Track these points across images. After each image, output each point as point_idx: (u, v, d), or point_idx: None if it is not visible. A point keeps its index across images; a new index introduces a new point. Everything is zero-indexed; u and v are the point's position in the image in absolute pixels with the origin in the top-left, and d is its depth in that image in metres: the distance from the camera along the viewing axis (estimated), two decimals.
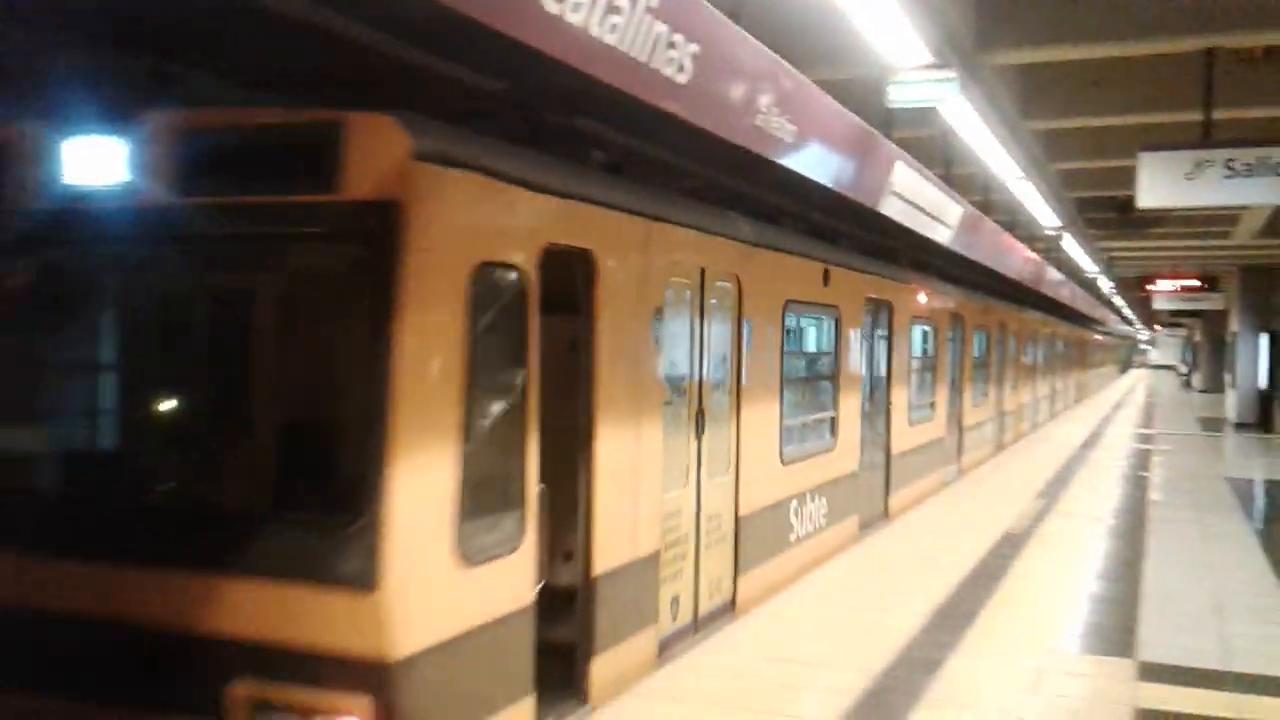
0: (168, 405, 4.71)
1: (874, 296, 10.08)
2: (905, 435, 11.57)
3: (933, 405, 13.02)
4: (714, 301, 6.57)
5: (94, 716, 4.11)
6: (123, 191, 4.14)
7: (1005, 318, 17.97)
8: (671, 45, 4.31)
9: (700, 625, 6.46)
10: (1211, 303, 30.82)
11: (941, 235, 10.35)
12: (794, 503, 8.09)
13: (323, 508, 3.96)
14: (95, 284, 4.67)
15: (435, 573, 3.99)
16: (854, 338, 9.53)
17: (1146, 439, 21.60)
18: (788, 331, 7.90)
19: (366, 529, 3.74)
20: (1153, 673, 6.00)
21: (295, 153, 3.95)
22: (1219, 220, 19.27)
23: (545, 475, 4.64)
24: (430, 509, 3.95)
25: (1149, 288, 30.09)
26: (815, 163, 6.57)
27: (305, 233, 4.04)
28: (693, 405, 6.36)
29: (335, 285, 4.26)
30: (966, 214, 10.89)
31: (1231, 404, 28.08)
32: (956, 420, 14.51)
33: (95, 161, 4.19)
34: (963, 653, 6.11)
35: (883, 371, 10.83)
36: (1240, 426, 25.97)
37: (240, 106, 4.39)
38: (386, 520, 3.73)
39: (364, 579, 3.72)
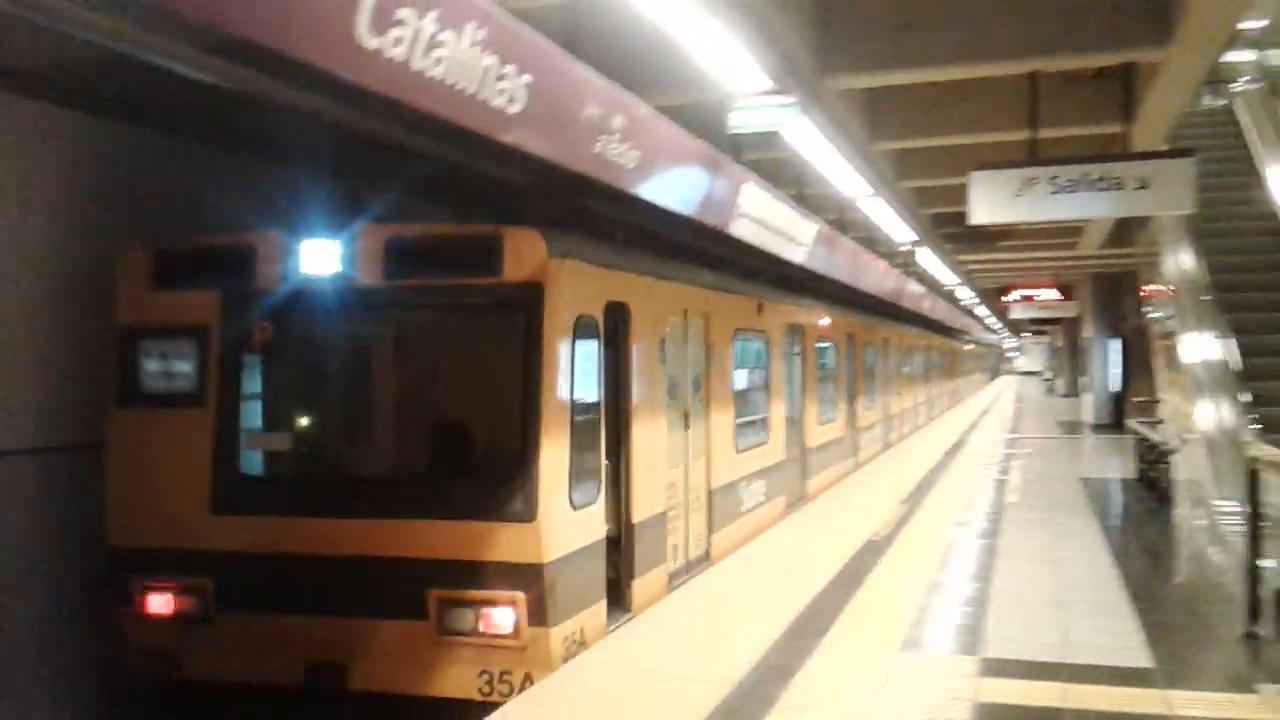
0: (395, 413, 7.36)
1: (790, 322, 12.73)
2: (816, 433, 14.26)
3: (835, 409, 15.73)
4: (692, 332, 9.09)
5: (340, 627, 6.44)
6: (346, 277, 6.59)
7: (888, 334, 21.12)
8: (502, 77, 4.40)
9: (690, 567, 8.92)
10: (1066, 311, 32.31)
11: (797, 254, 10.66)
12: (743, 483, 10.56)
13: (501, 475, 6.30)
14: (325, 336, 7.05)
15: (560, 513, 6.37)
16: (778, 355, 12.09)
17: (1009, 443, 22.51)
18: (735, 352, 10.36)
19: (528, 486, 6.19)
20: (995, 668, 6.27)
21: (474, 252, 6.40)
22: (1065, 232, 20.25)
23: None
24: (557, 475, 6.34)
25: (1004, 299, 31.38)
26: (661, 188, 6.73)
27: (481, 300, 6.48)
28: (681, 407, 8.85)
29: (501, 333, 6.57)
30: (821, 231, 11.26)
31: (1088, 407, 29.44)
32: (853, 422, 17.15)
33: (319, 256, 6.61)
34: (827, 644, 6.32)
35: (798, 381, 13.36)
36: (1097, 428, 27.22)
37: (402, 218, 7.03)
38: (538, 482, 6.18)
39: (527, 516, 6.17)
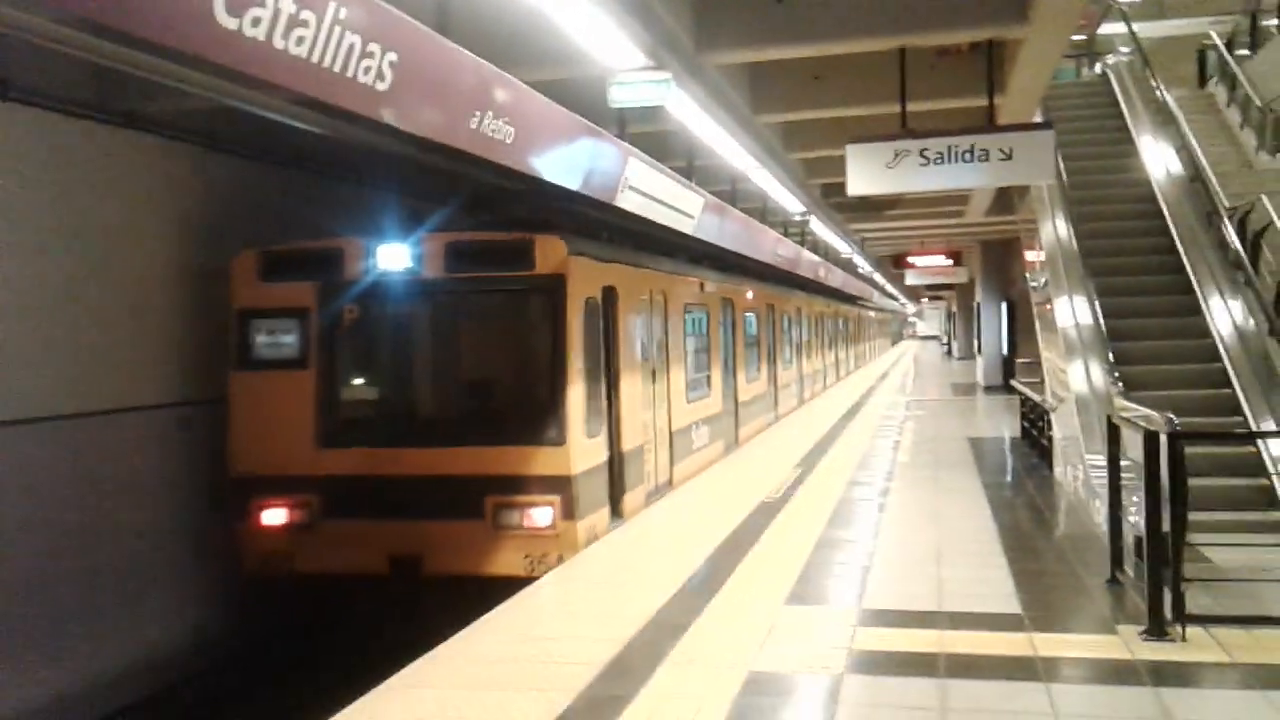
0: (454, 369, 9.57)
1: (724, 296, 15.16)
2: (745, 390, 16.68)
3: (759, 369, 18.18)
4: (655, 307, 11.41)
5: (416, 528, 8.54)
6: (415, 272, 8.76)
7: (801, 303, 23.43)
8: (368, 55, 4.43)
9: (659, 490, 11.32)
10: (957, 277, 33.25)
11: (686, 225, 10.85)
12: (693, 427, 13.03)
13: (539, 412, 8.60)
14: (400, 315, 9.18)
15: (581, 440, 8.67)
16: (716, 324, 14.53)
17: (904, 405, 23.16)
18: (683, 321, 12.62)
19: (559, 419, 8.51)
20: (873, 617, 6.55)
21: (514, 252, 8.62)
22: (952, 200, 20.85)
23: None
24: (578, 412, 8.64)
25: (898, 266, 32.15)
26: (542, 163, 6.82)
27: (519, 287, 8.76)
28: (650, 364, 11.13)
29: (534, 311, 8.92)
30: (708, 203, 11.46)
31: (980, 369, 30.38)
32: (773, 380, 19.78)
33: (393, 256, 8.76)
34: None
35: (731, 346, 15.68)
36: (988, 389, 28.08)
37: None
38: (567, 417, 8.50)
39: (559, 440, 8.47)
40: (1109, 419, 7.41)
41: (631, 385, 10.35)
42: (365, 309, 9.13)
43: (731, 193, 14.84)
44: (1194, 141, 15.74)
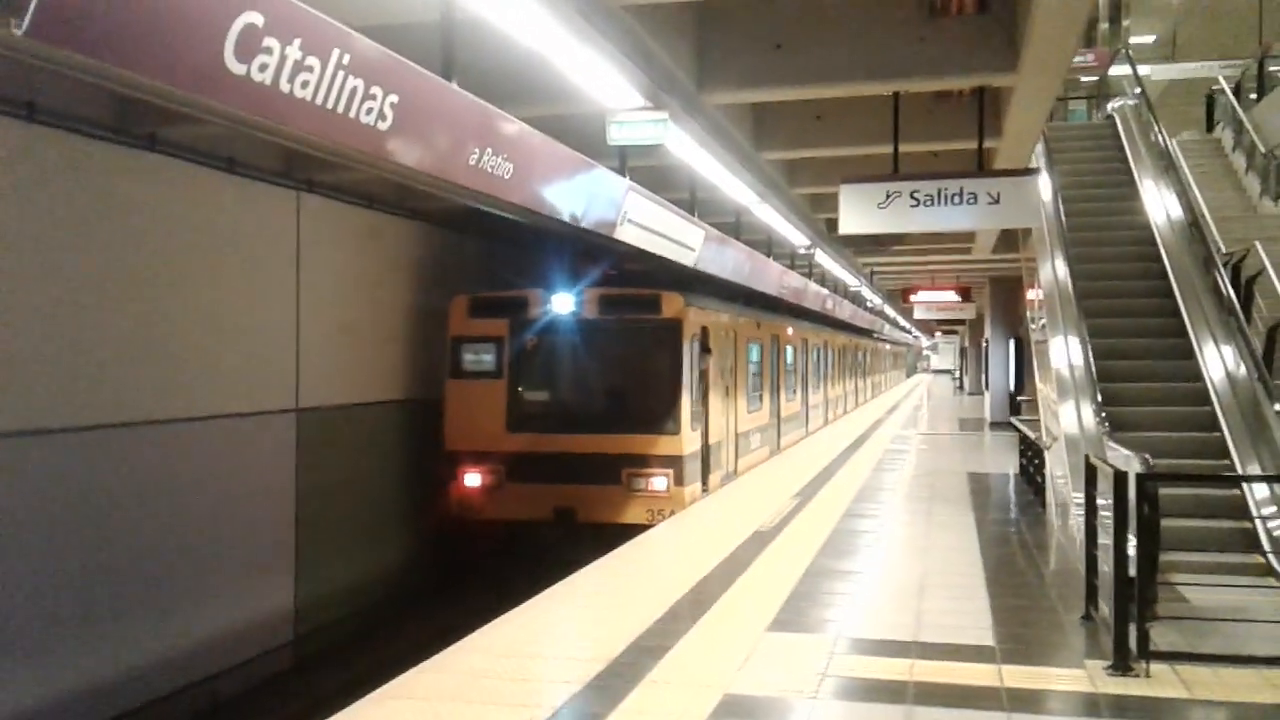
0: (605, 381, 13.16)
1: (772, 333, 19.04)
2: (785, 408, 20.71)
3: (795, 392, 22.20)
4: (728, 340, 15.27)
5: (572, 489, 12.49)
6: (577, 312, 12.83)
7: (827, 337, 27.46)
8: (370, 97, 4.72)
9: (729, 476, 15.25)
10: (965, 312, 33.40)
11: (687, 258, 11.12)
12: (752, 432, 17.15)
13: (661, 413, 12.67)
14: (565, 343, 13.07)
15: (688, 431, 12.73)
16: (767, 353, 18.56)
17: (909, 439, 23.31)
18: (746, 352, 16.55)
19: (675, 417, 12.61)
20: (852, 646, 6.75)
21: (647, 303, 12.79)
22: (959, 238, 21.08)
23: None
24: (687, 412, 12.71)
25: (908, 300, 32.37)
26: (541, 197, 7.09)
27: (652, 326, 12.76)
28: (725, 383, 14.99)
29: (659, 343, 12.81)
30: (710, 236, 11.76)
31: (988, 404, 30.46)
32: (805, 401, 23.68)
33: (563, 303, 12.91)
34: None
35: (776, 371, 19.58)
36: (995, 425, 28.14)
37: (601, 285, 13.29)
38: (680, 415, 12.62)
39: (675, 431, 12.60)
40: (1086, 459, 7.60)
41: (716, 397, 14.40)
42: (541, 339, 13.15)
43: (736, 225, 15.15)
44: (1194, 186, 15.94)
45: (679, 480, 12.44)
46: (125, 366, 8.56)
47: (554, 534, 12.43)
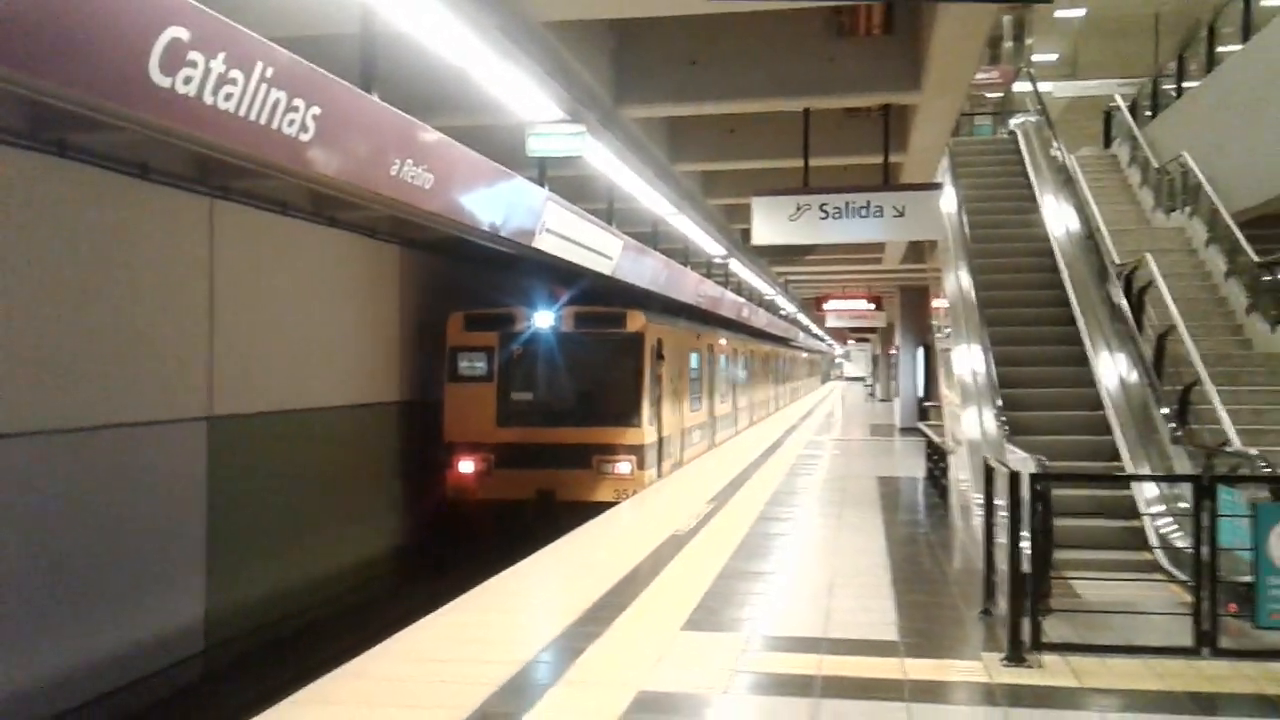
0: (578, 383, 15.47)
1: (707, 342, 21.39)
2: (719, 409, 23.35)
3: (726, 395, 24.69)
4: (676, 349, 17.28)
5: (551, 475, 14.89)
6: (555, 326, 15.37)
7: (753, 346, 30.34)
8: (292, 109, 4.81)
9: (677, 465, 17.63)
10: (877, 321, 34.20)
11: (604, 266, 11.31)
12: (693, 429, 19.77)
13: (625, 410, 15.25)
14: (536, 352, 15.46)
15: (647, 424, 15.34)
16: (704, 361, 20.91)
17: (822, 444, 23.80)
18: (688, 360, 18.99)
19: (637, 412, 15.20)
20: (762, 644, 6.97)
21: (614, 319, 15.43)
22: (870, 248, 21.65)
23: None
24: (647, 409, 15.37)
25: (821, 309, 33.03)
26: (461, 207, 7.21)
27: (618, 339, 15.37)
28: (674, 386, 17.27)
29: (626, 352, 15.39)
30: (628, 245, 11.96)
31: (898, 411, 31.21)
32: (734, 404, 26.30)
33: (544, 318, 15.47)
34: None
35: (710, 377, 21.91)
36: (905, 431, 28.85)
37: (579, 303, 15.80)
38: (641, 411, 15.24)
39: (637, 423, 15.15)
40: (984, 461, 7.96)
41: (668, 398, 16.92)
42: (525, 348, 15.44)
43: (654, 234, 15.44)
44: (1091, 200, 16.64)
45: (640, 465, 15.02)
46: (26, 373, 8.35)
47: (536, 511, 14.57)
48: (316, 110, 4.95)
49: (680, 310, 19.48)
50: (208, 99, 4.20)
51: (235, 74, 4.30)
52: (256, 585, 11.71)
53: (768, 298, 28.72)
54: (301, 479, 12.59)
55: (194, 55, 4.03)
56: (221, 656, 11.02)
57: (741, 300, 24.91)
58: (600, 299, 15.67)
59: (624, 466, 14.79)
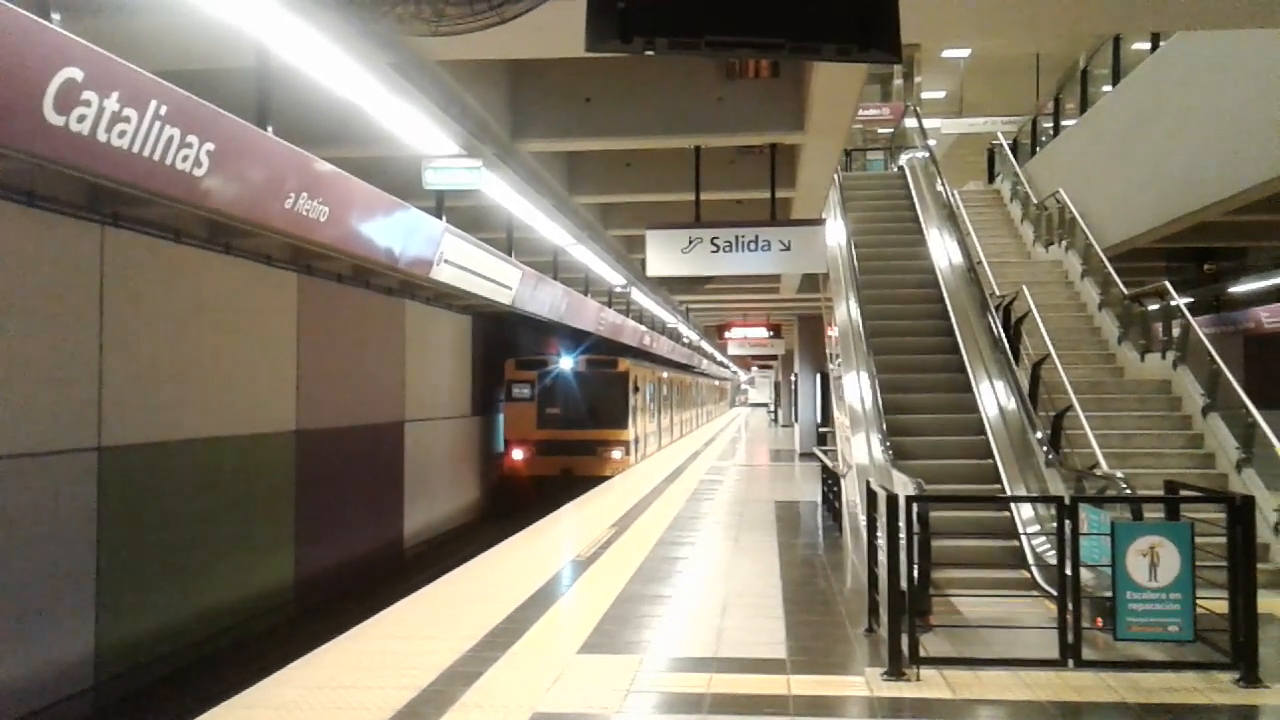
0: (591, 403, 26.89)
1: (655, 375, 31.12)
2: (664, 422, 33.70)
3: (666, 413, 34.76)
4: (647, 383, 30.10)
5: (572, 459, 27.28)
6: (572, 366, 26.82)
7: (676, 375, 38.81)
8: (186, 145, 4.90)
9: (645, 456, 29.30)
10: (777, 348, 34.93)
11: (504, 296, 11.46)
12: (652, 433, 31.18)
13: (619, 419, 26.81)
14: (561, 384, 26.99)
15: (631, 428, 27.25)
16: (656, 389, 31.04)
17: (725, 469, 24.23)
18: (651, 391, 30.90)
19: (626, 420, 26.85)
20: (656, 664, 7.18)
21: (611, 364, 26.92)
22: (768, 278, 22.18)
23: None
24: (634, 421, 27.55)
25: (725, 335, 33.64)
26: (356, 238, 7.32)
27: (614, 374, 26.92)
28: (644, 405, 29.44)
29: (618, 384, 26.97)
30: (526, 275, 12.13)
31: (797, 436, 31.86)
32: (671, 419, 36.45)
33: (568, 363, 26.96)
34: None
35: (658, 399, 31.76)
36: (804, 456, 29.43)
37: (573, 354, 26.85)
38: (629, 424, 26.97)
39: (626, 427, 26.76)
40: (867, 484, 8.31)
41: (640, 414, 26.87)
42: (555, 381, 26.18)
43: (554, 264, 15.62)
44: (974, 234, 17.38)
45: (627, 454, 26.14)
46: None
47: (562, 482, 24.36)
48: (210, 146, 5.05)
49: (645, 356, 30.10)
50: (100, 136, 4.28)
51: (129, 112, 4.38)
52: (160, 615, 11.52)
53: (670, 325, 29.45)
54: (208, 506, 12.61)
55: (88, 95, 4.12)
56: (112, 691, 10.79)
57: (643, 329, 26.83)
58: (601, 350, 26.40)
59: (618, 453, 26.01)
